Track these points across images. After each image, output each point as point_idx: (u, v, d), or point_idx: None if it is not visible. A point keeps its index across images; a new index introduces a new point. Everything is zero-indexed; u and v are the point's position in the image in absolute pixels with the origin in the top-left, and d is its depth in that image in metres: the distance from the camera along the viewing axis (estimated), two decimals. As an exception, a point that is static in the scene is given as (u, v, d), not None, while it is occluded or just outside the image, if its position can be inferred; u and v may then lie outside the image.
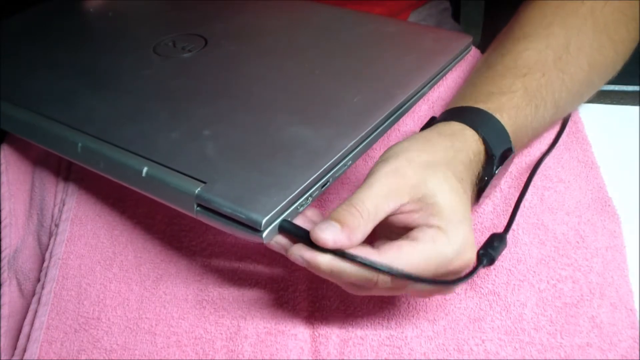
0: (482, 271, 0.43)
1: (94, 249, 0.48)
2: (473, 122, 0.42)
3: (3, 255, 0.53)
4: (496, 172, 0.42)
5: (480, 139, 0.42)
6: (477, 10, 0.84)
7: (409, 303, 0.43)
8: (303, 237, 0.36)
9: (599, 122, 0.55)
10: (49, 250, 0.49)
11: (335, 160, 0.40)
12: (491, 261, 0.39)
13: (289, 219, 0.37)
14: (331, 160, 0.40)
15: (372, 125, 0.43)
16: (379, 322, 0.42)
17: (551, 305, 0.42)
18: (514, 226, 0.45)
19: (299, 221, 0.38)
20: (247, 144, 0.42)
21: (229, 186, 0.38)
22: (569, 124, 0.53)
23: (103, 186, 0.52)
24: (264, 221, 0.36)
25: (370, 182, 0.36)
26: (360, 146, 0.43)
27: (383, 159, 0.38)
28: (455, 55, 0.53)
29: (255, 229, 0.36)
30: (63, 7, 0.64)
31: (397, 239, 0.36)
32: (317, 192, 0.39)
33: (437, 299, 0.43)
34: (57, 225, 0.50)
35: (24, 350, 0.44)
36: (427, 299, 0.43)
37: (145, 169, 0.41)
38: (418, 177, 0.37)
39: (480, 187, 0.42)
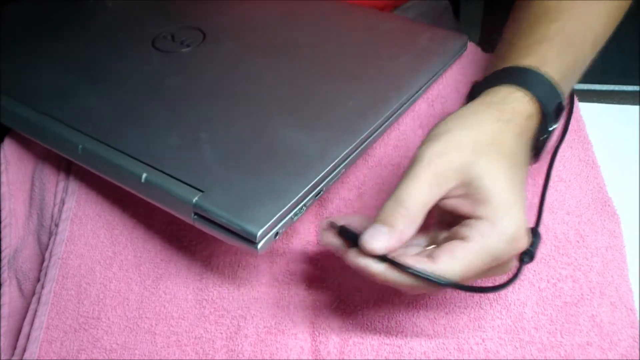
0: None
1: (93, 248, 0.48)
2: (522, 83, 0.41)
3: (3, 255, 0.53)
4: (551, 129, 0.41)
5: (534, 98, 0.41)
6: (476, 9, 0.84)
7: (409, 302, 0.43)
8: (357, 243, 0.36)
9: (599, 121, 0.55)
10: (48, 250, 0.49)
11: (329, 169, 0.41)
12: (531, 258, 0.38)
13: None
14: (325, 170, 0.41)
15: (367, 132, 0.44)
16: (379, 322, 0.42)
17: (551, 304, 0.42)
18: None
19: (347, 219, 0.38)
20: (243, 148, 0.43)
21: (226, 196, 0.39)
22: (570, 122, 0.52)
23: (103, 186, 0.52)
24: (259, 233, 0.37)
25: (415, 172, 0.36)
26: (355, 153, 0.44)
27: (428, 139, 0.37)
28: (451, 55, 0.53)
29: (251, 240, 0.37)
30: None
31: (448, 233, 0.36)
32: (311, 201, 0.40)
33: (437, 297, 0.43)
34: (57, 225, 0.50)
35: (24, 349, 0.44)
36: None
37: (144, 175, 0.42)
38: (463, 159, 0.36)
39: (538, 146, 0.41)
